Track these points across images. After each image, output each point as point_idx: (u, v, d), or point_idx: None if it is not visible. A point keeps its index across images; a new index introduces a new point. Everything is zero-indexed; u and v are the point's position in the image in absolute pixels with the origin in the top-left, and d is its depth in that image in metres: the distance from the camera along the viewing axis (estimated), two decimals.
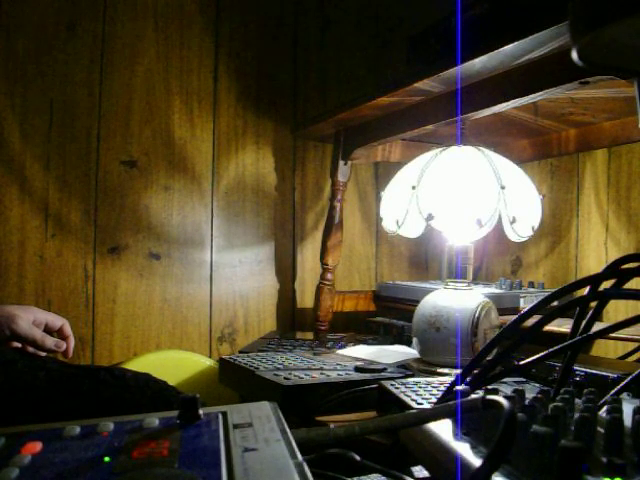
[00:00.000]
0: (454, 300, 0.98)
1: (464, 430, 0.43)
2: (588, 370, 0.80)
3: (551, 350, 0.53)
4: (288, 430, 0.38)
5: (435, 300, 1.00)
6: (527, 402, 0.44)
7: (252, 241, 1.47)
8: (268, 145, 1.49)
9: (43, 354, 0.90)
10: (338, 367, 0.90)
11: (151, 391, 0.76)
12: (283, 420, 0.40)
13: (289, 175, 1.52)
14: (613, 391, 0.54)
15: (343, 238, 1.42)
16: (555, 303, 0.59)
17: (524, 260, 1.53)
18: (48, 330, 0.90)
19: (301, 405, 0.76)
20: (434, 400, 0.67)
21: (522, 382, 0.81)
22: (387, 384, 0.76)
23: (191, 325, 1.40)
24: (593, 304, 0.58)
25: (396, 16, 1.61)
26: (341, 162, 1.37)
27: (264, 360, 0.95)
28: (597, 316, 0.58)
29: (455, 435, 0.43)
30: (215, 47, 1.43)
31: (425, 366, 0.98)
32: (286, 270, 1.52)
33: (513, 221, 0.97)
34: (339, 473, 0.45)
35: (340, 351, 1.10)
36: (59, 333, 0.92)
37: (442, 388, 0.73)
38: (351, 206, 1.58)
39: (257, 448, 0.35)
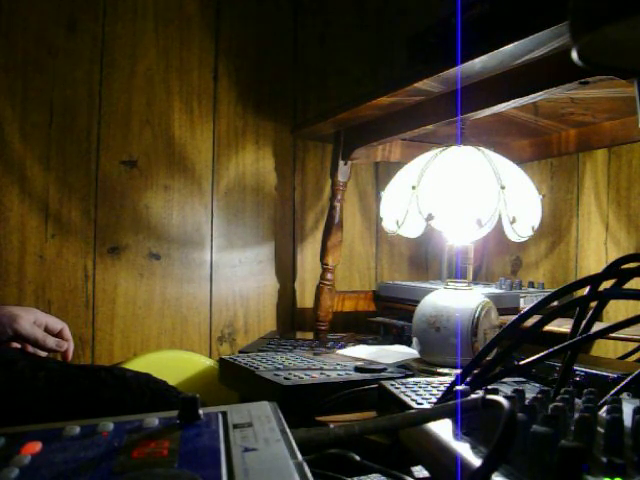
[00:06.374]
0: (454, 300, 0.98)
1: (464, 430, 0.43)
2: (588, 370, 0.80)
3: (551, 350, 0.53)
4: (288, 430, 0.38)
5: (435, 300, 1.00)
6: (527, 402, 0.44)
7: (252, 241, 1.47)
8: (268, 145, 1.49)
9: (44, 354, 0.90)
10: (338, 367, 0.90)
11: (151, 391, 0.76)
12: (283, 420, 0.40)
13: (289, 175, 1.52)
14: (613, 391, 0.54)
15: (343, 238, 1.42)
16: (555, 303, 0.59)
17: (524, 260, 1.53)
18: (48, 332, 0.91)
19: (301, 405, 0.76)
20: (434, 400, 0.67)
21: (522, 382, 0.81)
22: (387, 384, 0.76)
23: (191, 325, 1.40)
24: (593, 304, 0.58)
25: (396, 16, 1.61)
26: (341, 162, 1.37)
27: (264, 360, 0.95)
28: (597, 316, 0.58)
29: (455, 435, 0.43)
30: (215, 47, 1.43)
31: (425, 366, 0.98)
32: (286, 270, 1.52)
33: (513, 221, 0.97)
34: (339, 473, 0.45)
35: (340, 351, 1.10)
36: (59, 336, 0.92)
37: (442, 388, 0.73)
38: (351, 206, 1.58)
39: (257, 448, 0.35)
